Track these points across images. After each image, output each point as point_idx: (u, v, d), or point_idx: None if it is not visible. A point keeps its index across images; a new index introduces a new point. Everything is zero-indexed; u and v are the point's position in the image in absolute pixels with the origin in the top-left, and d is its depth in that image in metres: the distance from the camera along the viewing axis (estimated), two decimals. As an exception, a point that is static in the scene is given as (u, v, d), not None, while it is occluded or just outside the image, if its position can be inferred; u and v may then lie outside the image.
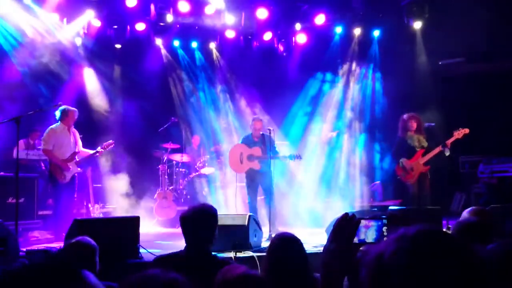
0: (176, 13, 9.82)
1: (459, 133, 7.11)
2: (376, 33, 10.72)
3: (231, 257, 4.90)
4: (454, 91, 9.79)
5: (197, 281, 2.03)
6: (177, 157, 9.84)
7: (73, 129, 7.20)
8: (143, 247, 5.11)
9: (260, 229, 6.02)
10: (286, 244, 2.81)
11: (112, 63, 10.42)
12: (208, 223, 3.05)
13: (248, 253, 5.16)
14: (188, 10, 9.64)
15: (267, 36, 10.70)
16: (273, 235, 5.04)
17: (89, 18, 9.51)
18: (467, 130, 7.11)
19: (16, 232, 5.34)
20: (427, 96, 9.91)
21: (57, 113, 7.02)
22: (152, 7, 9.64)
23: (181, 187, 9.73)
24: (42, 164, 8.49)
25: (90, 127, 9.68)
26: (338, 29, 10.66)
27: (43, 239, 6.84)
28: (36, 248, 5.58)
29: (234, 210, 8.30)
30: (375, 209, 8.47)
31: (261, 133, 7.40)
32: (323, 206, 9.33)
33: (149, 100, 10.39)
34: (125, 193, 9.30)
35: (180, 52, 11.25)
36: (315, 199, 9.51)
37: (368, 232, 3.16)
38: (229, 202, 9.21)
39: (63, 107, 7.00)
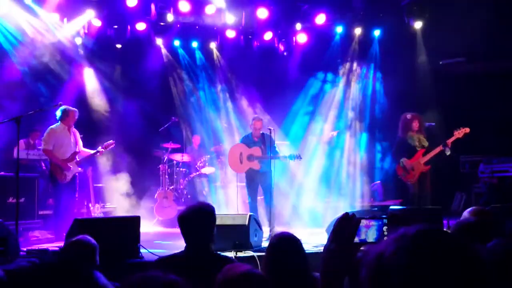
0: (177, 12, 9.82)
1: (459, 133, 7.11)
2: (377, 33, 10.72)
3: (231, 257, 4.90)
4: (454, 91, 9.78)
5: (199, 281, 2.03)
6: (177, 156, 9.84)
7: (73, 129, 7.19)
8: (143, 247, 5.12)
9: (261, 228, 6.02)
10: (285, 243, 2.81)
11: (113, 63, 10.42)
12: (206, 222, 3.04)
13: (249, 253, 5.17)
14: (188, 9, 9.64)
15: (268, 35, 10.69)
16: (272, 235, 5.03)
17: (90, 18, 9.51)
18: (467, 129, 7.11)
19: (16, 232, 5.34)
20: (427, 96, 9.91)
21: (58, 113, 7.01)
22: (153, 6, 9.64)
23: (181, 186, 9.74)
24: (43, 164, 8.50)
25: (91, 127, 9.68)
26: (339, 29, 10.66)
27: (43, 239, 6.84)
28: (37, 248, 5.58)
29: (234, 210, 8.30)
30: (376, 208, 8.47)
31: (261, 132, 7.38)
32: (323, 205, 9.34)
33: (150, 100, 10.39)
34: (126, 192, 9.30)
35: (181, 51, 11.25)
36: (315, 198, 9.52)
37: (369, 232, 3.15)
38: (229, 202, 9.21)
39: (63, 107, 6.99)
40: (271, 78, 11.08)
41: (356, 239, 1.43)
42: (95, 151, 7.32)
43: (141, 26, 9.97)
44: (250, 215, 5.66)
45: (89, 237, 3.19)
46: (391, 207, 6.76)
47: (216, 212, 3.22)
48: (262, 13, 9.87)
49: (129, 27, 9.99)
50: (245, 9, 9.98)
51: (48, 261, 3.10)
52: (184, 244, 3.07)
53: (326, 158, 9.97)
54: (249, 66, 10.80)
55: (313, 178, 9.77)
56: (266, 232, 6.73)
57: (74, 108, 7.16)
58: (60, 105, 6.96)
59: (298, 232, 7.62)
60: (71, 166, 6.97)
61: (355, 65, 11.06)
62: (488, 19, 8.57)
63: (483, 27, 8.68)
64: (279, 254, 2.75)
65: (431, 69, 10.29)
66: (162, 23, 10.14)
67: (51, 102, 7.98)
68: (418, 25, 10.18)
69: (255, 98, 10.78)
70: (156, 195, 9.32)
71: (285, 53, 11.21)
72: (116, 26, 10.03)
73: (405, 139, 7.45)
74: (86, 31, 9.72)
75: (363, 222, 3.26)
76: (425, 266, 0.94)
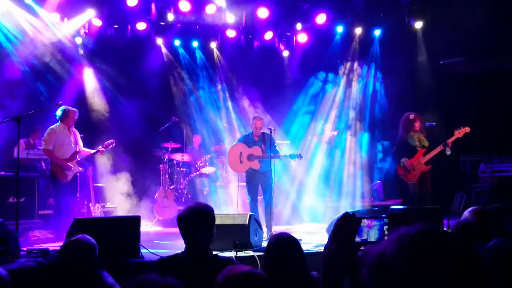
0: (177, 12, 9.83)
1: (460, 132, 7.11)
2: (377, 32, 10.73)
3: (231, 257, 4.90)
4: (454, 90, 9.79)
5: (198, 282, 2.03)
6: (177, 156, 9.84)
7: (73, 129, 7.19)
8: (144, 247, 5.11)
9: (261, 228, 6.02)
10: (284, 244, 2.81)
11: (113, 62, 10.42)
12: (205, 223, 3.03)
13: (249, 253, 5.16)
14: (189, 9, 9.65)
15: (268, 35, 10.70)
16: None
17: (90, 18, 9.52)
18: (468, 129, 7.10)
19: (17, 231, 5.33)
20: (427, 95, 9.92)
21: (58, 113, 7.01)
22: (153, 6, 9.64)
23: (181, 186, 9.74)
24: (43, 164, 8.50)
25: (91, 126, 9.70)
26: (339, 29, 10.66)
27: (44, 239, 6.83)
28: (37, 248, 5.58)
29: (235, 210, 8.31)
30: (376, 208, 8.47)
31: (262, 132, 7.36)
32: (324, 205, 9.35)
33: (150, 100, 10.39)
34: (126, 192, 9.31)
35: (181, 51, 11.26)
36: (316, 198, 9.52)
37: (370, 232, 3.15)
38: (230, 202, 9.22)
39: (63, 107, 6.98)
40: (271, 78, 11.09)
41: (358, 239, 1.43)
42: (95, 150, 7.32)
43: (141, 25, 9.97)
44: (250, 215, 5.66)
45: (88, 236, 3.18)
46: (391, 207, 6.75)
47: (216, 212, 3.22)
48: (263, 12, 9.87)
49: (129, 27, 10.00)
50: (246, 8, 9.98)
51: (54, 261, 3.12)
52: (185, 244, 3.07)
53: (326, 157, 9.97)
54: (249, 65, 10.81)
55: (314, 178, 9.78)
56: (266, 232, 6.72)
57: (74, 109, 7.16)
58: (60, 105, 6.96)
59: (298, 231, 7.67)
60: (72, 166, 6.98)
61: (355, 64, 11.07)
62: (488, 19, 8.57)
63: (483, 27, 8.69)
64: (278, 254, 2.75)
65: (432, 69, 10.29)
66: (162, 23, 10.15)
67: (52, 102, 7.97)
68: (418, 24, 10.19)
69: (256, 97, 10.77)
70: (156, 194, 9.32)
71: (285, 53, 11.21)
72: (116, 26, 10.03)
73: (406, 139, 7.44)
74: (87, 30, 9.72)
75: (365, 222, 3.27)
76: (426, 265, 0.94)
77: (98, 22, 9.66)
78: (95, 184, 8.93)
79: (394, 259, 0.97)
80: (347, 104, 10.91)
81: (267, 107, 10.50)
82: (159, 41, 10.73)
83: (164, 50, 11.00)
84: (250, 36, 10.88)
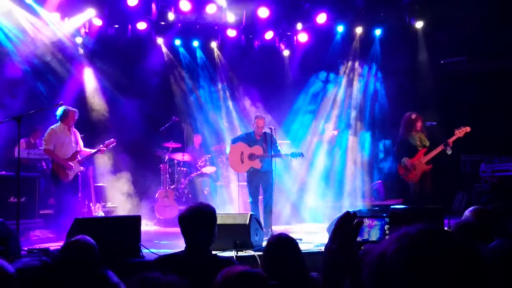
0: (177, 11, 9.83)
1: (460, 132, 7.10)
2: (378, 32, 10.72)
3: (232, 256, 4.90)
4: (455, 90, 9.77)
5: (198, 281, 2.03)
6: (178, 156, 9.84)
7: (74, 129, 7.19)
8: (144, 246, 5.12)
9: (262, 228, 6.01)
10: (282, 244, 2.81)
11: (113, 62, 10.41)
12: (206, 223, 3.03)
13: (250, 252, 5.17)
14: (189, 8, 9.64)
15: (269, 35, 10.69)
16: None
17: (90, 17, 9.51)
18: (468, 129, 7.09)
19: (17, 231, 5.33)
20: (428, 95, 9.91)
21: (58, 113, 7.02)
22: (153, 6, 9.63)
23: (182, 186, 9.74)
24: (43, 163, 8.50)
25: (92, 126, 9.70)
26: (340, 28, 10.66)
27: (44, 238, 6.83)
28: (38, 247, 5.58)
29: (235, 209, 8.31)
30: (377, 208, 8.46)
31: (263, 131, 7.34)
32: (324, 205, 9.34)
33: (150, 99, 10.39)
34: (127, 192, 9.31)
35: (181, 51, 11.25)
36: (316, 198, 9.52)
37: (372, 231, 3.15)
38: (230, 201, 9.22)
39: (63, 107, 6.98)
40: (272, 77, 11.08)
41: (359, 238, 1.42)
42: (96, 149, 7.32)
43: (142, 25, 9.97)
44: (251, 215, 5.65)
45: (87, 237, 3.18)
46: (392, 206, 6.74)
47: (217, 212, 3.22)
48: (263, 12, 9.86)
49: (130, 27, 10.00)
50: (246, 8, 9.97)
51: (58, 260, 3.12)
52: (185, 244, 3.07)
53: (327, 157, 9.96)
54: (250, 65, 10.80)
55: (314, 177, 9.77)
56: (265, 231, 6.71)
57: (74, 109, 7.16)
58: (61, 105, 6.96)
59: (299, 231, 7.66)
60: (73, 165, 6.98)
61: (356, 64, 11.06)
62: (489, 18, 8.56)
63: (484, 26, 8.68)
64: (276, 254, 2.75)
65: (432, 68, 10.28)
66: (162, 22, 10.14)
67: (52, 101, 7.97)
68: (419, 24, 10.19)
69: (256, 97, 10.77)
70: (157, 194, 9.32)
71: (286, 53, 11.21)
72: (117, 26, 10.03)
73: (407, 138, 7.44)
74: (87, 30, 9.72)
75: (366, 221, 3.27)
76: (427, 265, 0.94)
77: (98, 22, 9.65)
78: (95, 184, 8.94)
79: (395, 259, 0.97)
80: (348, 104, 10.91)
81: (267, 107, 10.49)
82: (160, 40, 10.73)
83: (164, 49, 11.00)
84: (250, 36, 10.87)
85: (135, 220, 5.14)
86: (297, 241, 2.98)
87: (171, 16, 9.84)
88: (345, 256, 1.32)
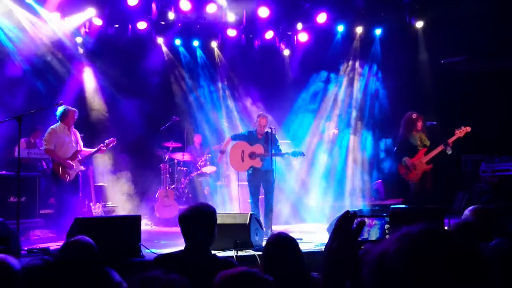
0: (178, 11, 9.83)
1: (461, 132, 7.09)
2: (378, 31, 10.72)
3: (232, 256, 4.90)
4: (455, 89, 9.76)
5: (196, 281, 2.03)
6: (178, 156, 9.84)
7: (73, 129, 7.19)
8: (144, 246, 5.12)
9: (262, 228, 6.01)
10: (282, 243, 2.81)
11: (114, 62, 10.41)
12: (206, 222, 3.04)
13: (250, 252, 5.16)
14: (189, 8, 9.64)
15: (269, 34, 10.69)
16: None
17: (91, 17, 9.51)
18: (469, 128, 7.09)
19: (17, 231, 5.34)
20: (428, 95, 9.90)
21: (57, 113, 7.02)
22: (154, 5, 9.64)
23: (182, 186, 9.74)
24: (44, 163, 8.50)
25: (92, 126, 9.70)
26: (340, 28, 10.66)
27: (44, 238, 6.84)
28: (38, 247, 5.58)
29: (236, 209, 8.30)
30: (377, 207, 8.46)
31: (265, 130, 7.31)
32: (325, 204, 9.33)
33: (151, 99, 10.38)
34: (127, 192, 9.31)
35: (182, 50, 11.25)
36: (317, 197, 9.51)
37: (371, 231, 3.15)
38: (230, 201, 9.21)
39: (63, 107, 6.98)
40: (272, 77, 11.08)
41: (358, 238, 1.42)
42: (97, 148, 7.32)
43: (142, 25, 9.97)
44: (251, 214, 5.65)
45: (87, 238, 3.18)
46: (392, 206, 6.74)
47: (217, 211, 3.22)
48: (263, 12, 9.86)
49: (130, 26, 9.99)
50: (246, 7, 9.97)
51: (59, 259, 3.13)
52: (185, 243, 3.07)
53: (328, 156, 9.96)
54: (250, 65, 10.80)
55: (315, 177, 9.77)
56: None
57: (73, 108, 7.16)
58: (61, 105, 6.96)
59: (299, 231, 7.66)
60: (74, 165, 6.98)
61: (356, 64, 11.06)
62: (489, 18, 8.55)
63: (485, 26, 8.67)
64: (276, 253, 2.75)
65: (433, 68, 10.28)
66: (163, 22, 10.14)
67: (52, 101, 7.96)
68: (419, 24, 10.17)
69: (256, 97, 10.77)
70: (157, 194, 9.32)
71: (286, 52, 11.20)
72: (117, 25, 10.03)
73: (408, 138, 7.43)
74: (87, 30, 9.72)
75: (366, 221, 3.27)
76: (428, 265, 0.93)
77: (98, 22, 9.65)
78: (96, 184, 8.94)
79: (396, 258, 0.97)
80: (348, 103, 10.90)
81: (267, 107, 10.48)
82: (160, 40, 10.73)
83: (164, 49, 11.00)
84: (250, 35, 10.87)
85: (135, 220, 5.14)
86: (297, 240, 2.98)
87: (171, 15, 9.84)
88: (346, 255, 1.32)
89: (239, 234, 5.41)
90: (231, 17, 9.98)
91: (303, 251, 2.95)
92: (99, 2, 9.37)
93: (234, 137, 7.56)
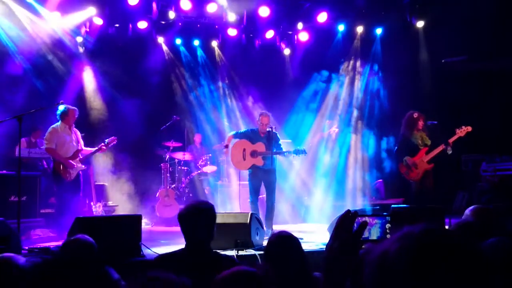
0: (178, 11, 9.83)
1: (461, 131, 7.09)
2: (379, 31, 10.72)
3: (233, 255, 4.90)
4: (456, 89, 9.76)
5: (198, 279, 2.03)
6: (179, 155, 9.84)
7: (74, 128, 7.19)
8: (145, 245, 5.12)
9: (262, 227, 6.01)
10: (284, 242, 2.81)
11: (114, 61, 10.41)
12: (205, 220, 3.04)
13: (250, 251, 5.17)
14: (190, 8, 9.64)
15: (269, 34, 10.69)
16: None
17: (91, 16, 9.51)
18: (469, 128, 7.08)
19: (18, 230, 5.34)
20: (429, 94, 9.90)
21: (58, 112, 7.02)
22: (154, 5, 9.64)
23: (183, 185, 9.74)
24: (44, 162, 8.51)
25: (92, 125, 9.70)
26: (341, 27, 10.66)
27: (45, 237, 6.85)
28: (38, 246, 5.59)
29: (236, 208, 8.30)
30: (377, 207, 8.46)
31: (267, 129, 7.28)
32: (325, 204, 9.32)
33: (151, 99, 10.37)
34: (127, 191, 9.31)
35: (182, 50, 11.25)
36: (317, 197, 9.50)
37: (372, 230, 3.15)
38: (231, 200, 9.21)
39: (63, 106, 6.98)
40: (272, 77, 11.08)
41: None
42: (97, 147, 7.32)
43: (142, 24, 9.97)
44: (251, 214, 5.65)
45: (87, 236, 3.18)
46: (393, 205, 6.74)
47: (218, 211, 3.23)
48: (264, 11, 9.86)
49: (130, 26, 10.00)
50: (247, 7, 9.97)
51: (59, 258, 3.14)
52: (185, 242, 3.08)
53: (328, 155, 9.95)
54: (250, 64, 10.80)
55: (315, 176, 9.76)
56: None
57: (74, 107, 7.15)
58: (61, 104, 6.96)
59: (300, 230, 7.66)
60: (75, 164, 6.98)
61: (357, 63, 11.05)
62: (490, 17, 8.55)
63: (486, 25, 8.67)
64: (278, 252, 2.74)
65: (433, 68, 10.27)
66: (163, 22, 10.13)
67: (52, 100, 7.96)
68: (420, 23, 10.17)
69: (257, 96, 10.77)
70: (157, 193, 9.33)
71: (287, 52, 11.20)
72: (117, 25, 10.03)
73: (409, 137, 7.43)
74: (88, 29, 9.73)
75: (367, 220, 3.27)
76: (429, 265, 0.94)
77: (99, 21, 9.66)
78: (96, 183, 8.94)
79: (397, 258, 0.97)
80: (349, 103, 10.90)
81: (268, 106, 10.46)
82: (160, 39, 10.73)
83: (165, 48, 11.00)
84: (251, 35, 10.87)
85: (135, 219, 5.15)
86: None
87: (171, 15, 9.84)
88: (346, 255, 1.32)
89: (239, 233, 5.42)
90: (231, 16, 9.98)
91: (304, 250, 2.95)
92: (99, 1, 9.38)
93: (236, 135, 7.52)
